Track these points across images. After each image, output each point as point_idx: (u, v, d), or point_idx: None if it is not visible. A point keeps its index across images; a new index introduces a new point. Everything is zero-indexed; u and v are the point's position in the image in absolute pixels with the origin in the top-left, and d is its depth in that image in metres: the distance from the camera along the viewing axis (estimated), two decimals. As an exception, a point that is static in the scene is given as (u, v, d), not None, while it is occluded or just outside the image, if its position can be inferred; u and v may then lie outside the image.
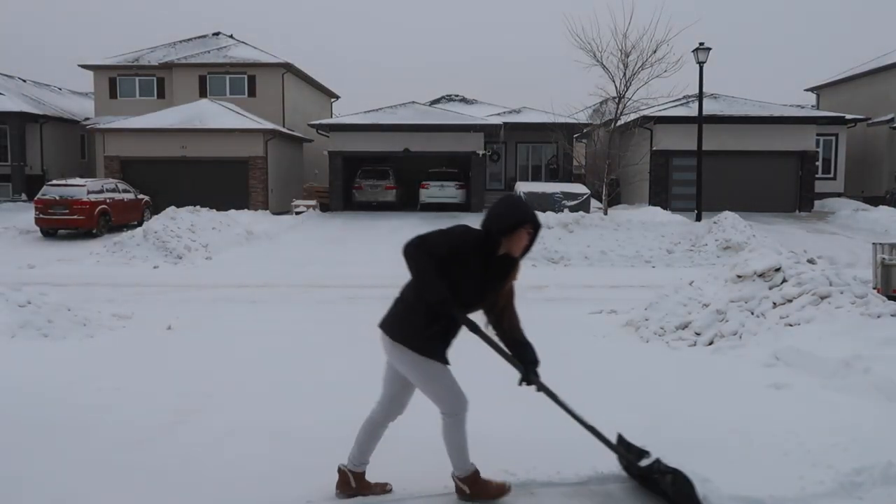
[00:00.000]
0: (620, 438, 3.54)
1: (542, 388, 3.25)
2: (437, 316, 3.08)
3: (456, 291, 3.05)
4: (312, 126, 26.30)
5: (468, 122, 25.25)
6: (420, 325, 3.14)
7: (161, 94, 29.00)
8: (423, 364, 3.18)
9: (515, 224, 3.05)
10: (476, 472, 3.28)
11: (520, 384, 3.23)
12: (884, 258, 7.51)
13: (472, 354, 6.09)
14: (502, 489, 3.31)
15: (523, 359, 3.20)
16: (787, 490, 3.40)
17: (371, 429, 3.36)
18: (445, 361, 3.23)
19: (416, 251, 3.08)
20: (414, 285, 3.18)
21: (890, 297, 6.62)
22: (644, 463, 3.34)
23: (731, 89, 26.50)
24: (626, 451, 3.46)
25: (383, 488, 3.39)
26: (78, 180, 19.08)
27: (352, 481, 3.33)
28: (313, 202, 24.57)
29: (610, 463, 3.71)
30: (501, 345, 3.23)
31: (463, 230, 3.16)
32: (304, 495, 3.35)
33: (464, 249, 3.08)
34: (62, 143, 28.64)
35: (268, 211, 23.65)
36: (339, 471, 3.36)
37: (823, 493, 3.35)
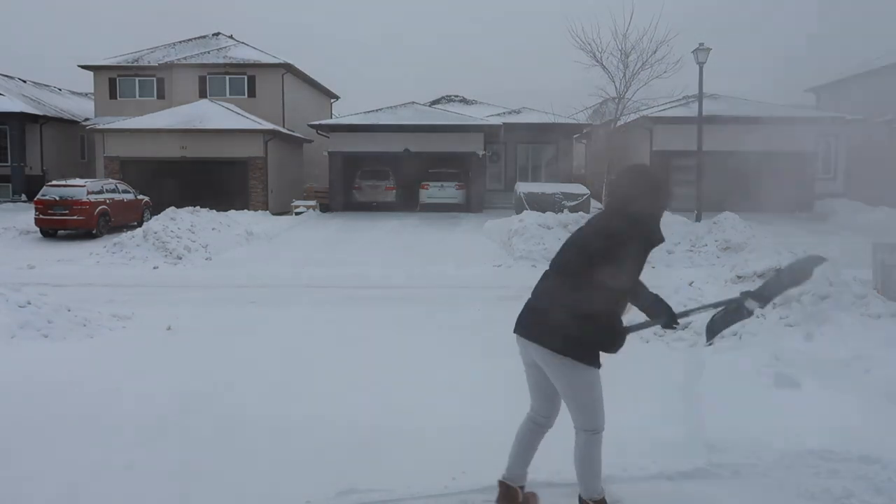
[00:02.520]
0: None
1: (684, 314, 3.31)
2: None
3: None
4: (312, 126, 26.30)
5: (468, 123, 25.26)
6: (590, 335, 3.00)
7: (161, 95, 29.00)
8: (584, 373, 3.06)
9: (662, 207, 3.08)
10: (604, 499, 3.15)
11: (665, 328, 3.28)
12: (884, 259, 7.51)
13: (472, 354, 6.06)
14: None
15: (663, 312, 3.21)
16: (787, 491, 3.40)
17: (530, 440, 3.29)
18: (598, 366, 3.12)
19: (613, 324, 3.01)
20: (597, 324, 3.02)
21: None
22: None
23: (731, 90, 26.52)
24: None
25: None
26: (78, 181, 19.07)
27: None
28: (313, 203, 24.58)
29: (611, 463, 3.71)
30: (640, 322, 3.25)
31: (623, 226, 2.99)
32: (302, 494, 3.35)
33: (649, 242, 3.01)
34: (62, 143, 28.63)
35: (267, 211, 23.65)
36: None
37: (830, 498, 3.35)
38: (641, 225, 2.96)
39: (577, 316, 2.93)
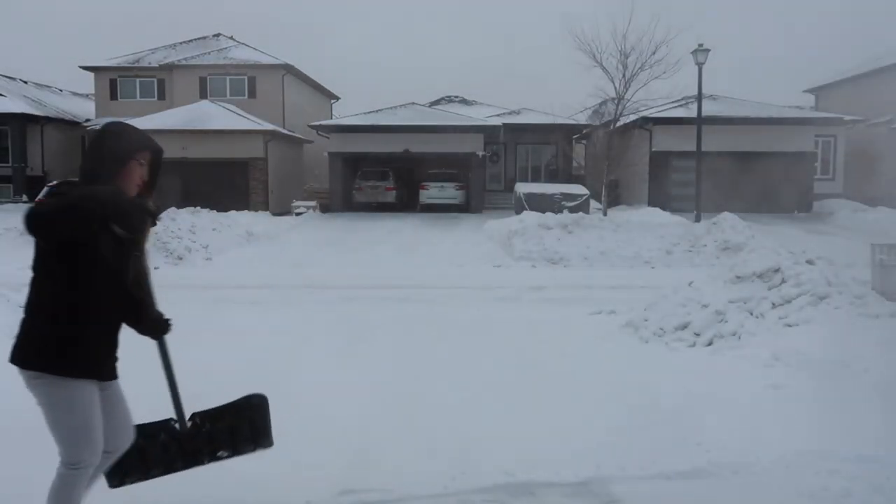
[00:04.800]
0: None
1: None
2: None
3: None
4: (312, 127, 26.32)
5: (468, 124, 25.28)
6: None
7: (161, 96, 29.03)
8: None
9: (122, 158, 2.45)
10: None
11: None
12: (882, 259, 7.52)
13: (472, 354, 6.07)
14: None
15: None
16: (787, 491, 3.41)
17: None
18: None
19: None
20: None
21: None
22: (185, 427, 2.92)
23: (731, 90, 26.53)
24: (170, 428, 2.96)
25: None
26: (78, 181, 19.08)
27: None
28: (313, 203, 24.59)
29: (611, 463, 3.73)
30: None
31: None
32: (302, 495, 3.36)
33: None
34: (63, 144, 28.65)
35: (268, 212, 23.66)
36: None
37: (828, 497, 3.36)
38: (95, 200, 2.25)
39: (36, 317, 2.49)
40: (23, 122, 26.33)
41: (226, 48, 30.35)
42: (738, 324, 6.29)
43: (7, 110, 25.72)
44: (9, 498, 3.38)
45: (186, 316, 9.03)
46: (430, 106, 30.37)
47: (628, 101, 20.27)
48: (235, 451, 2.97)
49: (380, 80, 70.64)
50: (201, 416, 2.99)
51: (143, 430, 2.91)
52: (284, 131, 26.44)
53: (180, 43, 31.85)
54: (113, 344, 2.64)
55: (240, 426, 2.98)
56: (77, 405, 2.45)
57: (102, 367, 2.58)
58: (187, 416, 2.98)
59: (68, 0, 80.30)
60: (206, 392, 5.01)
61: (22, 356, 2.49)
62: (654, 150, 23.86)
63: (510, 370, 5.54)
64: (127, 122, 2.56)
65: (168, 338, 2.85)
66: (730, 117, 23.22)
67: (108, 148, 2.47)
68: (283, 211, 24.63)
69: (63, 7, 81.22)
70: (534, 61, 72.49)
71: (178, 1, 76.15)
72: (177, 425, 2.95)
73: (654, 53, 19.30)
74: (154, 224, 2.58)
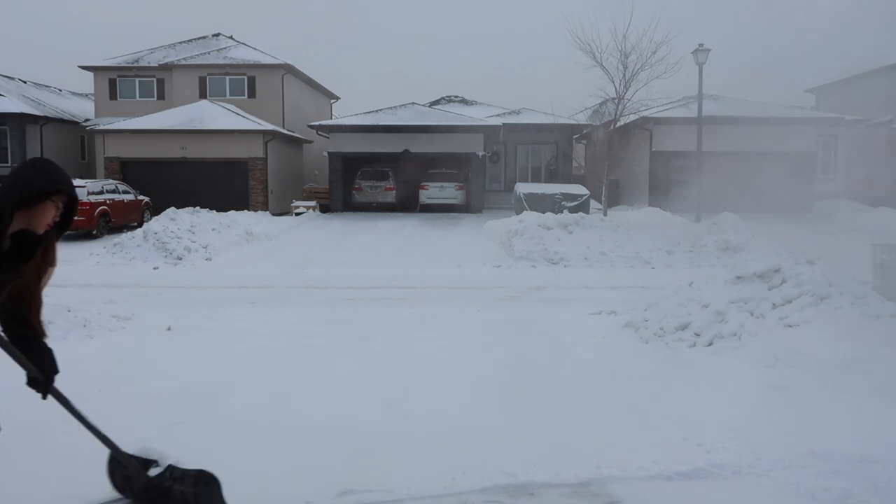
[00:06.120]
0: (122, 454, 2.97)
1: (57, 396, 2.80)
2: None
3: None
4: (312, 127, 26.32)
5: (468, 124, 25.28)
6: None
7: (161, 96, 29.02)
8: None
9: (38, 194, 2.46)
10: None
11: (29, 385, 2.72)
12: (883, 259, 7.53)
13: (472, 354, 6.07)
14: None
15: (41, 365, 2.67)
16: (787, 491, 3.41)
17: None
18: None
19: None
20: None
21: None
22: (154, 472, 2.93)
23: (731, 90, 26.52)
24: (131, 462, 2.96)
25: None
26: (78, 181, 19.05)
27: None
28: (313, 203, 24.60)
29: (611, 463, 3.72)
30: (12, 348, 2.58)
31: None
32: (302, 495, 3.36)
33: None
34: (62, 144, 28.63)
35: (267, 212, 23.66)
36: None
37: (829, 498, 3.36)
38: None
39: None
40: (22, 121, 26.32)
41: (225, 48, 30.34)
42: (738, 324, 6.29)
43: (6, 110, 25.71)
44: (9, 497, 3.38)
45: (186, 316, 9.05)
46: (430, 106, 30.37)
47: (628, 100, 20.24)
48: None
49: (380, 79, 70.66)
50: (171, 473, 2.96)
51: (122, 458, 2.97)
52: (284, 131, 26.44)
53: (180, 43, 31.84)
54: None
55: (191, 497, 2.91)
56: None
57: None
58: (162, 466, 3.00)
59: (68, 0, 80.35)
60: (206, 393, 5.02)
61: None
62: (654, 150, 23.86)
63: (510, 370, 5.54)
64: (51, 160, 2.61)
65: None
66: (730, 117, 23.22)
67: (29, 181, 2.48)
68: (283, 211, 24.63)
69: (63, 7, 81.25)
70: (534, 61, 72.51)
71: (179, 1, 76.18)
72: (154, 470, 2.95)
73: (654, 53, 19.27)
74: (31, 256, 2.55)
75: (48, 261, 2.63)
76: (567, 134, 27.88)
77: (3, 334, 2.57)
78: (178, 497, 2.89)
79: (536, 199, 19.69)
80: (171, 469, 2.92)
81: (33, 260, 2.54)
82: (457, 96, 35.84)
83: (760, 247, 11.75)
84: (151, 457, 2.98)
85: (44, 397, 2.72)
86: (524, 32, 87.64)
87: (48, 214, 2.52)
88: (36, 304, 2.63)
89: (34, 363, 2.63)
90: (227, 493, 3.02)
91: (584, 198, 20.28)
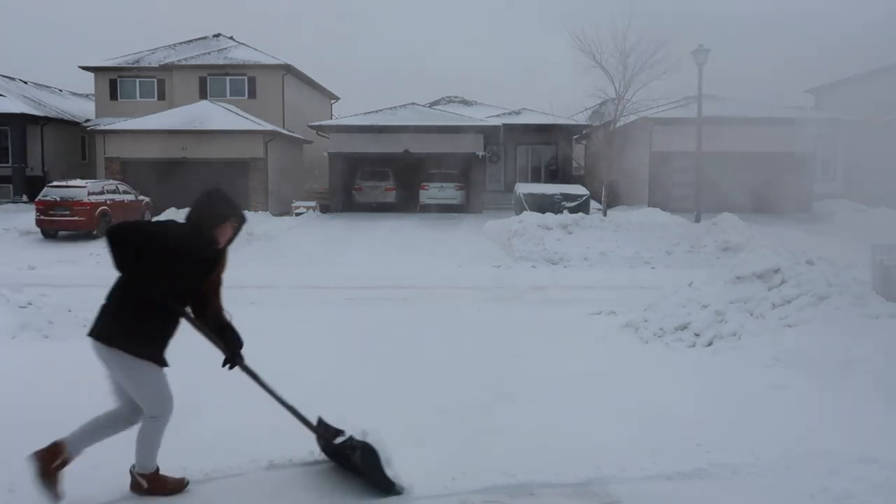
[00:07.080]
0: (320, 420, 3.77)
1: (245, 369, 3.55)
2: (151, 313, 3.22)
3: (170, 284, 3.24)
4: (312, 127, 26.32)
5: (468, 124, 25.28)
6: (135, 324, 3.22)
7: (161, 96, 29.02)
8: (137, 367, 3.23)
9: (224, 217, 3.37)
10: (157, 471, 3.40)
11: (224, 366, 3.51)
12: (882, 259, 7.52)
13: (471, 354, 6.07)
14: (179, 485, 3.42)
15: (229, 343, 3.49)
16: (787, 491, 3.41)
17: (106, 424, 3.38)
18: (162, 363, 3.32)
19: (117, 237, 3.26)
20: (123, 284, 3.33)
21: None
22: (339, 441, 3.58)
23: (731, 91, 26.46)
24: (324, 432, 3.69)
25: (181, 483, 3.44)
26: (78, 182, 19.08)
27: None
28: (313, 203, 24.60)
29: (611, 463, 3.73)
30: (208, 331, 3.46)
31: (175, 225, 3.40)
32: (302, 495, 3.36)
33: (179, 244, 3.27)
34: (63, 144, 28.65)
35: (268, 212, 23.66)
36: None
37: (829, 498, 3.36)
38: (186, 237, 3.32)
39: (124, 310, 3.26)
40: (23, 122, 26.33)
41: (225, 48, 30.34)
42: (738, 324, 6.29)
43: (7, 110, 25.72)
44: (10, 497, 3.38)
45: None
46: (430, 106, 30.37)
47: (628, 101, 20.25)
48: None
49: (380, 80, 70.64)
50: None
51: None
52: (284, 131, 26.43)
53: (180, 43, 31.85)
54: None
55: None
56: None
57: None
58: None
59: (68, 0, 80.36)
60: (205, 393, 5.01)
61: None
62: (654, 150, 23.85)
63: (510, 371, 5.54)
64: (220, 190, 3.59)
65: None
66: (730, 117, 23.22)
67: (216, 207, 3.47)
68: (283, 211, 24.63)
69: (63, 7, 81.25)
70: (534, 61, 72.47)
71: (179, 1, 76.22)
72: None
73: (654, 54, 19.27)
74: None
75: (223, 264, 3.50)
76: (567, 134, 27.91)
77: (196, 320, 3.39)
78: (355, 459, 3.52)
79: (536, 200, 19.68)
80: (350, 439, 3.54)
81: (221, 264, 3.44)
82: (457, 96, 35.84)
83: (760, 247, 11.75)
84: (339, 427, 3.67)
85: (230, 368, 3.52)
86: (525, 32, 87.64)
87: (228, 233, 3.41)
88: (218, 294, 3.50)
89: (223, 340, 3.49)
90: (227, 492, 3.03)
91: (584, 198, 20.28)
